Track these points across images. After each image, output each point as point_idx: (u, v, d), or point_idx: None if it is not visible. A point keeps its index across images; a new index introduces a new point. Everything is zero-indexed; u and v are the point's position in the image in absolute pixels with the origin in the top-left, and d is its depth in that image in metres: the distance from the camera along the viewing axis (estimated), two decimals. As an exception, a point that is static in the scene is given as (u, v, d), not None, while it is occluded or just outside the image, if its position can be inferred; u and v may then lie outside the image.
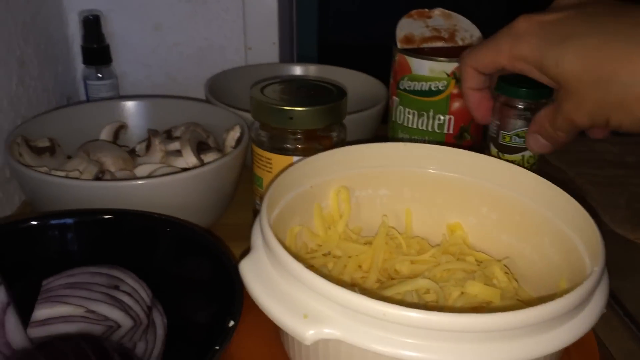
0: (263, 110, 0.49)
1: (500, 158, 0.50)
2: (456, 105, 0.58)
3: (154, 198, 0.45)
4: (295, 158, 0.49)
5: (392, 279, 0.42)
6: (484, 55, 0.43)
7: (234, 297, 0.32)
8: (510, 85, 0.47)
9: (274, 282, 0.32)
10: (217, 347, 0.29)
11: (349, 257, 0.42)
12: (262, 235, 0.35)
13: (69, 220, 0.38)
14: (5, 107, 0.54)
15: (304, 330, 0.29)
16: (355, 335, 0.29)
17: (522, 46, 0.40)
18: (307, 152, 0.50)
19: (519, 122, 0.48)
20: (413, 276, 0.41)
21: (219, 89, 0.65)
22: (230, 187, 0.53)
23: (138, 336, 0.37)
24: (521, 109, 0.48)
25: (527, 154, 0.50)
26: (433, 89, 0.58)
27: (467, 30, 0.60)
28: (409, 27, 0.59)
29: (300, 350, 0.34)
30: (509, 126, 0.49)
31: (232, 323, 0.31)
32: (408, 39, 0.59)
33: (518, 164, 0.44)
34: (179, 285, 0.38)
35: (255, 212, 0.55)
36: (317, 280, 0.30)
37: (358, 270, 0.42)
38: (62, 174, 0.47)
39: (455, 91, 0.57)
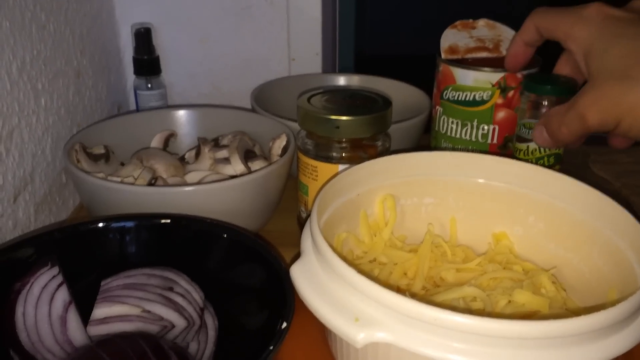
0: (310, 119, 0.50)
1: (513, 147, 0.53)
2: (501, 115, 0.58)
3: (203, 204, 0.46)
4: (340, 166, 0.50)
5: (438, 286, 0.42)
6: (549, 21, 0.46)
7: (286, 301, 0.33)
8: (535, 82, 0.50)
9: (325, 286, 0.33)
10: (271, 348, 0.30)
11: (395, 264, 0.43)
12: (312, 241, 0.35)
13: (129, 224, 0.40)
14: (63, 115, 0.57)
15: (355, 333, 0.30)
16: (406, 339, 0.29)
17: (581, 29, 0.42)
18: (352, 161, 0.51)
19: (532, 113, 0.50)
20: (458, 284, 0.41)
21: (264, 99, 0.67)
22: (276, 195, 0.54)
23: (191, 336, 0.38)
24: (539, 103, 0.50)
25: (531, 145, 0.52)
26: (477, 99, 0.58)
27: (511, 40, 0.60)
28: (453, 38, 0.59)
29: (349, 353, 0.34)
30: (522, 115, 0.52)
31: (284, 325, 0.31)
32: (452, 50, 0.59)
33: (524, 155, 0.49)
34: (230, 288, 0.40)
35: (300, 220, 0.56)
36: (369, 285, 0.30)
37: (403, 278, 0.43)
38: (118, 179, 0.49)
39: (499, 101, 0.58)
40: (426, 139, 0.66)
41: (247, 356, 0.37)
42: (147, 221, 0.40)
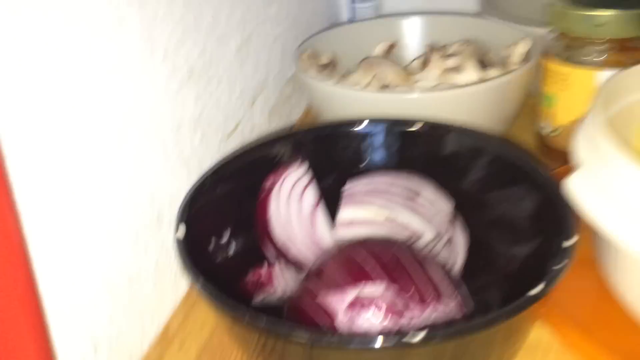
0: (566, 16, 0.43)
1: None
2: None
3: (433, 113, 0.43)
4: (600, 73, 0.43)
5: None
6: None
7: (563, 218, 0.29)
8: None
9: (617, 199, 0.27)
10: (560, 267, 0.26)
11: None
12: (593, 147, 0.30)
13: (379, 126, 0.38)
14: (289, 25, 0.57)
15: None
16: None
17: None
18: (616, 66, 0.43)
19: None
20: None
21: (492, 2, 0.60)
22: (513, 108, 0.48)
23: (438, 249, 0.36)
24: None
25: None
26: None
27: None
28: None
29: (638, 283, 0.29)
30: None
31: (571, 241, 0.27)
32: None
33: None
34: (484, 202, 0.36)
35: (541, 138, 0.50)
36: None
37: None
38: (349, 86, 0.47)
39: None
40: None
41: (508, 280, 0.33)
42: (400, 125, 0.37)
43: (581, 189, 0.29)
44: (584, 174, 0.30)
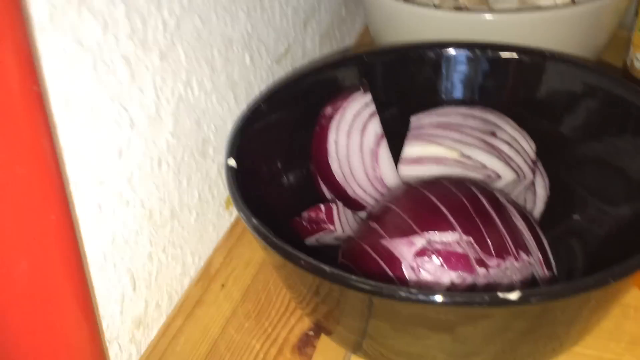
0: None
1: None
2: None
3: (514, 39, 0.37)
4: None
5: None
6: None
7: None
8: None
9: None
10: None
11: None
12: None
13: (456, 52, 0.32)
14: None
15: None
16: None
17: None
18: None
19: None
20: None
21: None
22: (605, 38, 0.42)
23: (518, 192, 0.32)
24: None
25: None
26: None
27: None
28: None
29: None
30: None
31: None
32: None
33: None
34: (579, 148, 0.31)
35: (629, 71, 0.44)
36: None
37: None
38: (418, 3, 0.42)
39: None
40: None
41: (597, 237, 0.29)
42: (482, 51, 0.32)
43: None
44: None
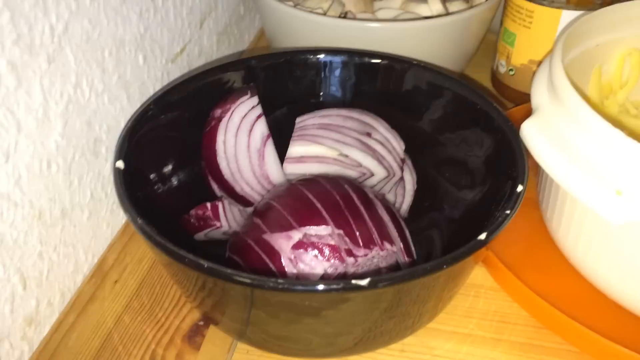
0: (536, -50, 0.41)
1: None
2: None
3: (394, 45, 0.41)
4: (564, 12, 0.42)
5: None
6: None
7: (517, 162, 0.28)
8: None
9: (572, 148, 0.27)
10: (507, 212, 0.25)
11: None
12: (552, 92, 0.29)
13: (337, 58, 0.35)
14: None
15: (616, 209, 0.25)
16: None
17: None
18: (581, 6, 0.42)
19: None
20: None
21: None
22: (474, 44, 0.47)
23: (388, 188, 0.35)
24: None
25: None
26: None
27: None
28: None
29: (581, 229, 0.29)
30: None
31: (520, 187, 0.27)
32: None
33: None
34: (437, 144, 0.35)
35: (496, 75, 0.49)
36: (647, 152, 0.24)
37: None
38: (307, 10, 0.44)
39: None
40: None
41: (453, 223, 0.33)
42: (358, 57, 0.35)
43: (536, 135, 0.28)
44: (540, 119, 0.29)
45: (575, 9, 0.41)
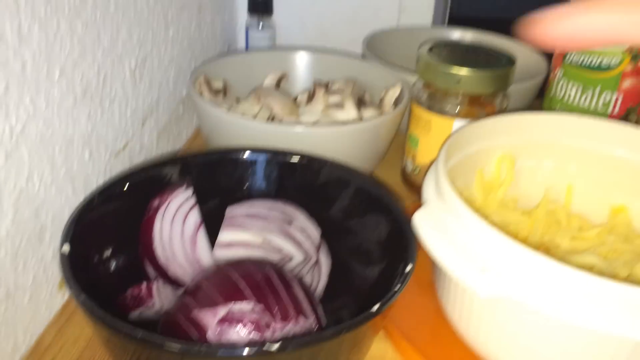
0: (431, 70, 0.50)
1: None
2: (627, 83, 0.55)
3: (315, 146, 0.47)
4: (456, 122, 0.50)
5: (549, 252, 0.42)
6: None
7: (408, 246, 0.34)
8: None
9: (450, 235, 0.33)
10: (396, 289, 0.31)
11: (507, 225, 0.43)
12: (436, 189, 0.36)
13: (261, 156, 0.41)
14: (185, 48, 0.59)
15: (481, 284, 0.30)
16: (538, 295, 0.29)
17: None
18: (468, 117, 0.50)
19: None
20: (573, 253, 0.41)
21: (374, 48, 0.66)
22: (385, 145, 0.54)
23: (305, 270, 0.40)
24: None
25: None
26: (604, 64, 0.55)
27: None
28: None
29: (465, 307, 0.35)
30: None
31: (409, 267, 0.32)
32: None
33: None
34: (347, 230, 0.41)
35: (404, 173, 0.56)
36: (500, 236, 0.30)
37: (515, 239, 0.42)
38: (239, 114, 0.50)
39: (628, 68, 0.55)
40: (537, 104, 0.64)
41: (361, 299, 0.38)
42: (280, 156, 0.41)
43: (423, 224, 0.34)
44: (427, 211, 0.35)
45: (465, 119, 0.50)
